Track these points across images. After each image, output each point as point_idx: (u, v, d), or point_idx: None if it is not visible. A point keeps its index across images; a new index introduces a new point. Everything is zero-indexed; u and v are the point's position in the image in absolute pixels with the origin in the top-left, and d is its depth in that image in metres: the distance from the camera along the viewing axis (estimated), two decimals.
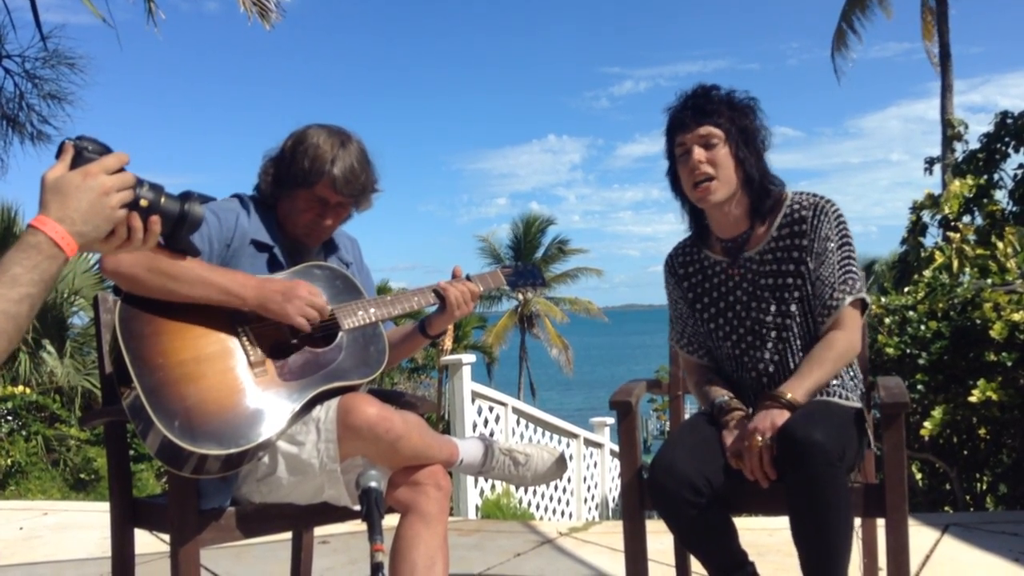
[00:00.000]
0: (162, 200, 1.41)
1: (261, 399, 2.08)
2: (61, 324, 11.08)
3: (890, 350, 4.74)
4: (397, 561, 2.09)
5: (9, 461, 8.74)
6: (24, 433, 9.22)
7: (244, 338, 2.14)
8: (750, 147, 2.32)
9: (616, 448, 8.93)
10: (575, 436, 9.01)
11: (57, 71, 7.92)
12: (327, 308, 2.20)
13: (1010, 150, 9.44)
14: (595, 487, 9.47)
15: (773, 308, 2.36)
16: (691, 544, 2.34)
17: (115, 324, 2.04)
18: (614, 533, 4.01)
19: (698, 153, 2.29)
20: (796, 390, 2.22)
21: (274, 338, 2.18)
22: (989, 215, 7.69)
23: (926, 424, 4.55)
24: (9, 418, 9.21)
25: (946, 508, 5.20)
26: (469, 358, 7.54)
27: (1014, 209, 8.76)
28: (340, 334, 2.26)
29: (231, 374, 2.09)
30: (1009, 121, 9.46)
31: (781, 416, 2.16)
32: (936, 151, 15.02)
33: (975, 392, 4.39)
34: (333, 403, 2.13)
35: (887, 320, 4.94)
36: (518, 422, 8.10)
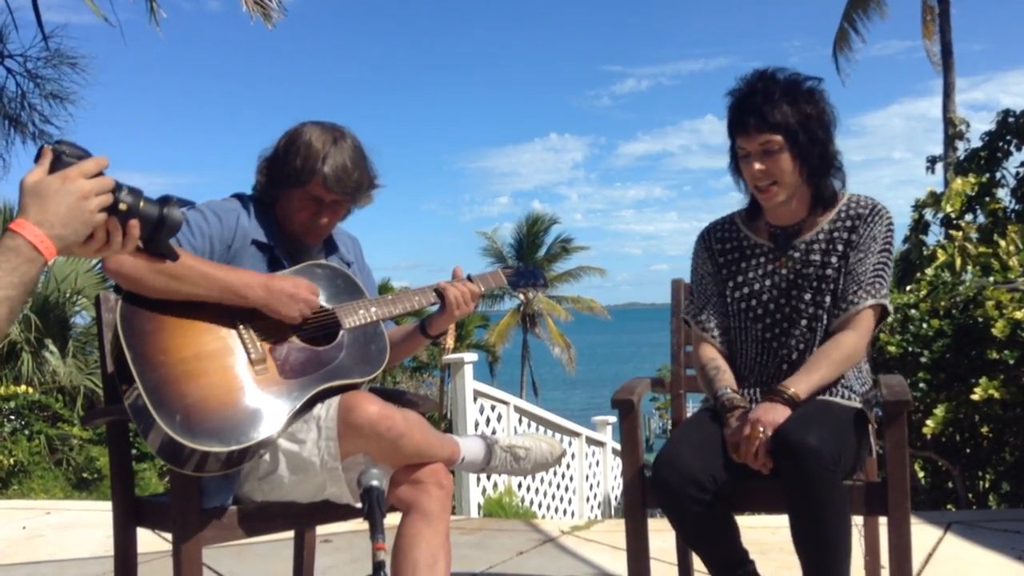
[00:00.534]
0: (141, 204, 1.41)
1: (262, 397, 2.08)
2: (63, 324, 11.09)
3: (892, 348, 4.73)
4: (399, 560, 2.09)
5: (12, 460, 8.75)
6: (27, 432, 9.23)
7: (245, 335, 2.14)
8: (814, 136, 2.29)
9: (618, 446, 8.94)
10: (577, 435, 9.01)
11: (59, 70, 7.93)
12: (316, 302, 2.21)
13: (1012, 148, 9.42)
14: (597, 485, 9.47)
15: (808, 296, 2.37)
16: (693, 541, 2.34)
17: (116, 322, 2.05)
18: (616, 531, 4.01)
19: (757, 165, 2.29)
20: (799, 385, 2.22)
21: (275, 336, 2.18)
22: (991, 213, 7.68)
23: (928, 422, 4.55)
24: (12, 417, 9.22)
25: (949, 506, 5.20)
26: (471, 357, 7.54)
27: (1016, 207, 8.75)
28: (341, 332, 2.26)
29: (232, 371, 2.09)
30: (1011, 119, 9.45)
31: (783, 413, 2.16)
32: (938, 149, 15.01)
33: (977, 390, 4.38)
34: (334, 401, 2.13)
35: (889, 318, 4.92)
36: (520, 421, 8.09)
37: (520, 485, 7.76)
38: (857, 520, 2.22)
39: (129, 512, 2.33)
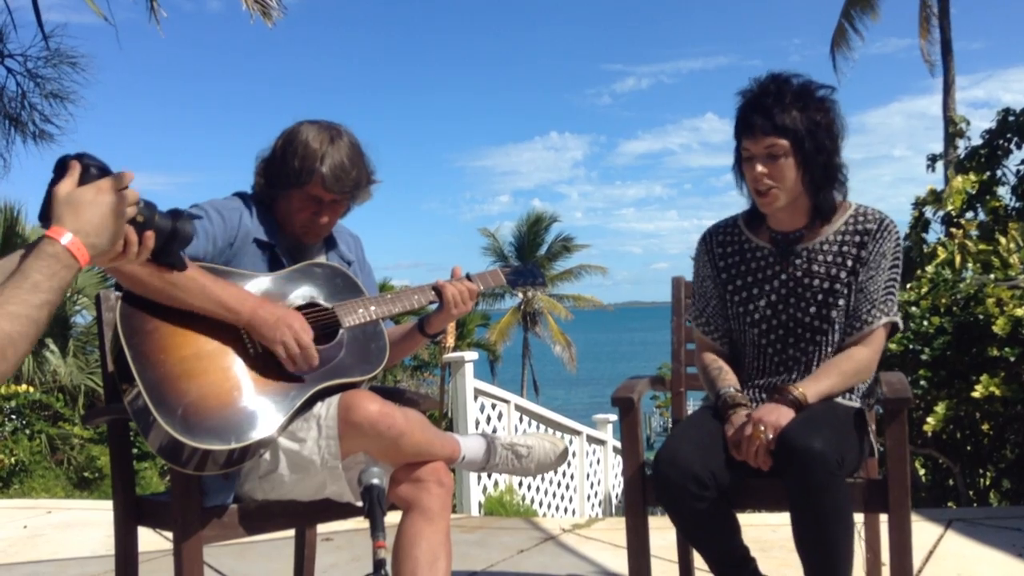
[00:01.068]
0: (156, 217, 1.51)
1: (262, 396, 2.09)
2: (64, 323, 11.11)
3: (893, 346, 4.73)
4: (400, 558, 2.10)
5: (13, 460, 8.76)
6: (28, 432, 9.25)
7: (245, 335, 2.14)
8: (820, 145, 2.26)
9: (619, 445, 8.94)
10: (578, 433, 9.01)
11: (59, 70, 7.94)
12: (312, 348, 2.15)
13: (1013, 146, 9.41)
14: (598, 484, 9.48)
15: (813, 309, 2.34)
16: (694, 538, 2.34)
17: (116, 321, 2.05)
18: (617, 529, 4.01)
19: (760, 167, 2.27)
20: (809, 389, 2.22)
21: None
22: (992, 211, 7.67)
23: (929, 420, 4.54)
24: (13, 417, 9.24)
25: (949, 504, 5.20)
26: (472, 355, 7.54)
27: (1017, 205, 8.74)
28: (341, 331, 2.26)
29: (232, 370, 2.09)
30: (1012, 117, 9.43)
31: (786, 415, 2.15)
32: (938, 147, 15.01)
33: (978, 387, 4.38)
34: (334, 400, 2.14)
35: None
36: (521, 419, 8.10)
37: (521, 483, 7.77)
38: (858, 518, 2.22)
39: (130, 511, 2.33)
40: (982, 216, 7.74)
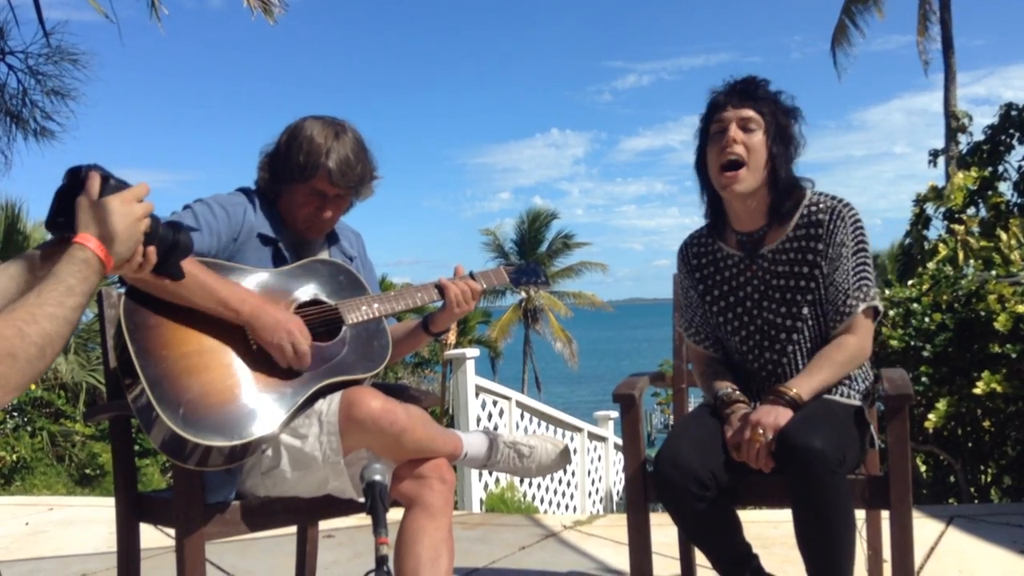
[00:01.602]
0: (160, 229, 1.58)
1: (264, 392, 2.09)
2: None
3: (894, 342, 4.73)
4: (402, 554, 2.10)
5: (15, 457, 8.77)
6: (29, 429, 9.26)
7: (248, 332, 2.14)
8: (785, 147, 2.28)
9: (620, 442, 8.94)
10: (579, 430, 9.02)
11: (60, 67, 7.94)
12: (307, 355, 2.15)
13: (1015, 142, 9.42)
14: (599, 480, 9.49)
15: (783, 309, 2.34)
16: (696, 537, 2.34)
17: (119, 316, 2.05)
18: (618, 526, 4.01)
19: (735, 131, 2.25)
20: (802, 386, 2.21)
21: None
22: (993, 207, 7.66)
23: (930, 416, 4.54)
24: (14, 414, 9.25)
25: (951, 500, 5.20)
26: (473, 352, 7.55)
27: (1018, 201, 8.75)
28: (344, 328, 2.26)
29: (234, 367, 2.09)
30: (1014, 113, 9.45)
31: (784, 415, 2.15)
32: (940, 143, 15.00)
33: (980, 384, 4.38)
34: (336, 396, 2.14)
35: (891, 312, 4.93)
36: (522, 416, 8.10)
37: (522, 481, 7.78)
38: (859, 515, 2.22)
39: (132, 508, 2.33)
40: (983, 212, 7.73)
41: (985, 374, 4.40)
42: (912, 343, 4.71)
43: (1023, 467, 5.04)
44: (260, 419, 2.05)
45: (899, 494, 2.16)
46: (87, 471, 9.49)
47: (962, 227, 7.21)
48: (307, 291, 2.29)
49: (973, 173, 7.98)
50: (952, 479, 5.25)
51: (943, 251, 7.11)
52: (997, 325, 4.41)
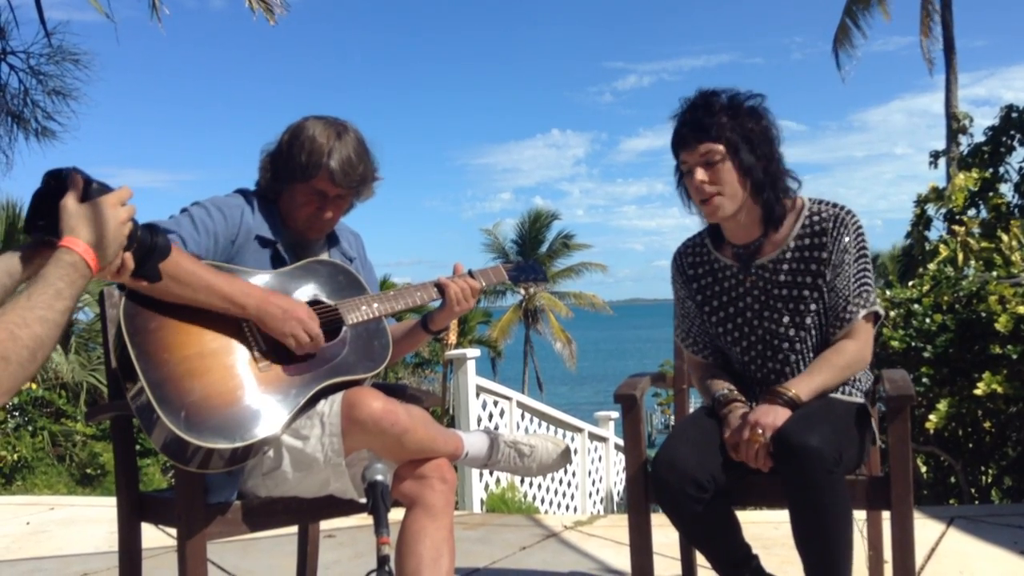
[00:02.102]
0: (139, 232, 1.56)
1: (265, 394, 2.09)
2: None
3: (895, 343, 4.73)
4: (403, 554, 2.10)
5: (16, 456, 8.78)
6: (30, 429, 9.27)
7: (249, 333, 2.15)
8: (757, 152, 2.25)
9: (620, 442, 8.95)
10: (579, 430, 9.02)
11: (61, 67, 7.93)
12: (321, 336, 2.18)
13: (1016, 143, 9.42)
14: (600, 481, 9.49)
15: (786, 319, 2.33)
16: (695, 539, 2.34)
17: (120, 319, 2.05)
18: (619, 526, 4.01)
19: (700, 174, 2.24)
20: (801, 387, 2.22)
21: None
22: (994, 208, 7.66)
23: (931, 417, 4.54)
24: (15, 414, 9.25)
25: (951, 501, 5.20)
26: (473, 352, 7.55)
27: (1019, 202, 8.74)
28: (344, 329, 2.26)
29: (235, 369, 2.09)
30: (1015, 115, 9.44)
31: (782, 415, 2.15)
32: (941, 145, 14.98)
33: (980, 385, 4.38)
34: (337, 397, 2.14)
35: (892, 313, 4.93)
36: (523, 416, 8.10)
37: (523, 481, 7.78)
38: (860, 515, 2.22)
39: (133, 508, 2.34)
40: (984, 214, 7.73)
41: (986, 375, 4.40)
42: (913, 344, 4.72)
43: (1023, 468, 5.04)
44: (262, 421, 2.05)
45: (900, 495, 2.16)
46: (88, 471, 9.50)
47: (963, 228, 7.20)
48: (306, 292, 2.29)
49: (974, 174, 7.98)
50: (953, 480, 5.26)
51: (944, 252, 7.10)
52: (998, 326, 4.41)
